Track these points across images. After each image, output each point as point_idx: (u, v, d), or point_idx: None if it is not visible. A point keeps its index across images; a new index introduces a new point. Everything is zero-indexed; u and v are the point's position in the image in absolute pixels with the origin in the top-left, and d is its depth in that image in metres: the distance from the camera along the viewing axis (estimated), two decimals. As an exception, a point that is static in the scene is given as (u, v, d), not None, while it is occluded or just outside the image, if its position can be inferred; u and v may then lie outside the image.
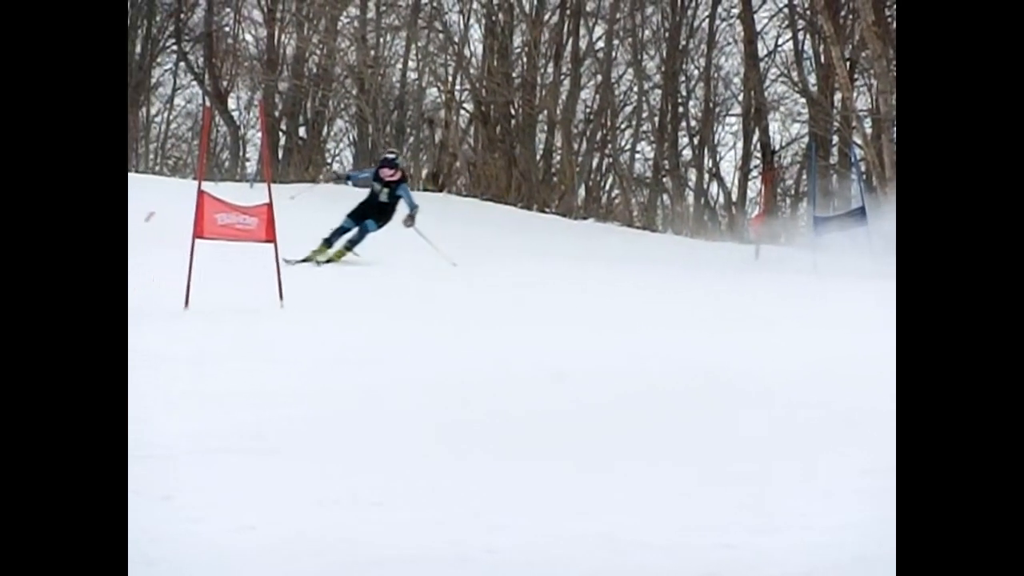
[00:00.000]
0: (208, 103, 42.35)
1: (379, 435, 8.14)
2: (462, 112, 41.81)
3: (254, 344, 11.86)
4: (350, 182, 20.68)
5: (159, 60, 45.17)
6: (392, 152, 20.73)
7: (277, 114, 42.01)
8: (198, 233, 15.14)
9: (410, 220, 19.71)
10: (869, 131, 35.72)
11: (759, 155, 40.02)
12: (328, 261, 19.28)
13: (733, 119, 41.69)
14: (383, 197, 19.68)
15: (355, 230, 19.68)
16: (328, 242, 19.46)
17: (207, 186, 16.06)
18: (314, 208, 21.70)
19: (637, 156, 41.85)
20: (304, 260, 18.46)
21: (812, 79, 39.69)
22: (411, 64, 42.27)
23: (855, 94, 37.22)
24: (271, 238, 15.37)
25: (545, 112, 40.74)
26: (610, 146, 41.27)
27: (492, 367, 10.64)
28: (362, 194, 20.12)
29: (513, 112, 40.66)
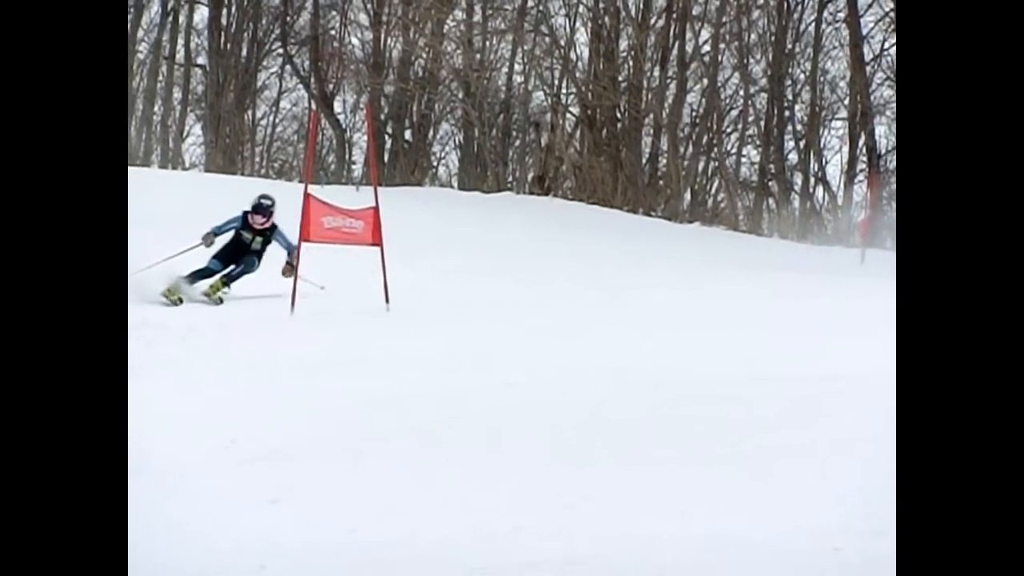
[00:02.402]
0: (314, 106, 42.68)
1: (485, 440, 8.13)
2: (568, 115, 41.90)
3: (360, 348, 11.88)
4: (218, 236, 17.63)
5: (265, 63, 45.62)
6: (267, 199, 16.58)
7: (383, 117, 42.26)
8: (305, 236, 15.22)
9: (289, 269, 16.38)
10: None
11: (865, 159, 39.72)
12: (206, 295, 16.28)
13: (839, 123, 41.60)
14: (255, 245, 16.91)
15: (234, 267, 16.82)
16: (189, 279, 16.38)
17: (313, 189, 16.16)
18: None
19: (743, 160, 41.82)
20: (163, 295, 15.77)
21: (919, 83, 39.32)
22: (517, 67, 42.52)
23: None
24: (377, 241, 15.38)
25: (651, 116, 40.71)
26: (716, 150, 41.19)
27: (599, 372, 10.62)
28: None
29: (619, 116, 40.66)
